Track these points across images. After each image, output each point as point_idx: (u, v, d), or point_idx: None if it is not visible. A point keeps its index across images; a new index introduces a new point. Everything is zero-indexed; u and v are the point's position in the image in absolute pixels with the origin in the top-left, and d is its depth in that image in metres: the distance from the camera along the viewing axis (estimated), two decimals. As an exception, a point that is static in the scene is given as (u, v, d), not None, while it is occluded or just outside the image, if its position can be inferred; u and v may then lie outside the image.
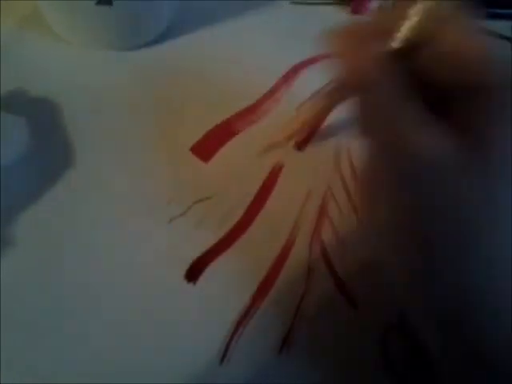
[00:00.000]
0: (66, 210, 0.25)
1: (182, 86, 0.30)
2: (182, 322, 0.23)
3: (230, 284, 0.24)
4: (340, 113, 0.30)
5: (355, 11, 0.36)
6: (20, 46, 0.31)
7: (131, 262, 0.24)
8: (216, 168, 0.27)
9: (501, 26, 0.37)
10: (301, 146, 0.29)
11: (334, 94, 0.22)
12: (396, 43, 0.18)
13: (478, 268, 0.17)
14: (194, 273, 0.24)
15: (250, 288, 0.24)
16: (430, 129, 0.17)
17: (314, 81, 0.31)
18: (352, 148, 0.29)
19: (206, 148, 0.28)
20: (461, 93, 0.18)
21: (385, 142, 0.18)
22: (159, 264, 0.24)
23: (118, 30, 0.30)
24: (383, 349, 0.23)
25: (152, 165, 0.27)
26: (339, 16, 0.36)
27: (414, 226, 0.17)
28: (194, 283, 0.23)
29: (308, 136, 0.29)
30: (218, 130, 0.28)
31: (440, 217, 0.17)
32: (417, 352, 0.22)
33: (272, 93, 0.31)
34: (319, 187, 0.27)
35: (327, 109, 0.24)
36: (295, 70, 0.32)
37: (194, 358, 0.22)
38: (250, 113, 0.30)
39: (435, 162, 0.17)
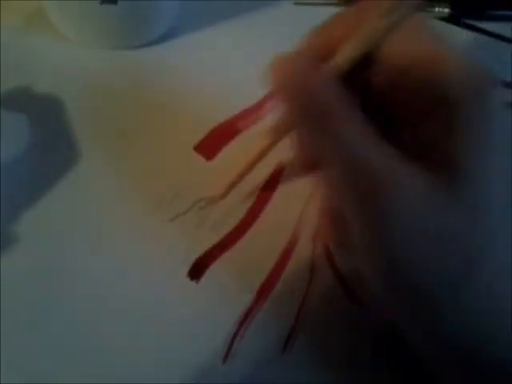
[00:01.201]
0: (67, 209, 0.25)
1: (185, 85, 0.30)
2: (184, 320, 0.22)
3: (232, 282, 0.24)
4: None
5: (358, 12, 0.36)
6: (23, 43, 0.31)
7: (133, 260, 0.24)
8: (219, 166, 0.27)
9: (500, 27, 0.37)
10: None
11: (279, 131, 0.20)
12: (343, 63, 0.17)
13: (478, 304, 0.16)
14: (197, 271, 0.23)
15: (253, 286, 0.23)
16: (395, 158, 0.15)
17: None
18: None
19: (209, 146, 0.27)
20: (420, 109, 0.16)
21: (347, 177, 0.16)
22: (161, 262, 0.24)
23: (121, 29, 0.30)
24: (387, 347, 0.22)
25: (154, 163, 0.27)
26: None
27: (403, 272, 0.16)
28: (197, 281, 0.23)
29: None
30: (223, 127, 0.28)
31: (427, 255, 0.15)
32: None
33: (275, 92, 0.31)
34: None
35: (269, 148, 0.21)
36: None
37: (196, 358, 0.22)
38: (254, 111, 0.29)
39: (406, 195, 0.15)
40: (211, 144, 0.28)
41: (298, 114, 0.17)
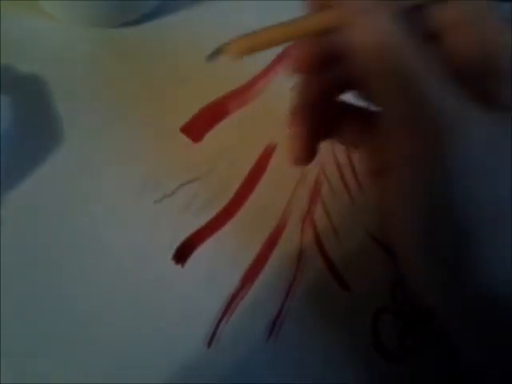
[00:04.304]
0: (51, 192, 0.24)
1: (171, 65, 0.29)
2: (169, 305, 0.22)
3: (218, 266, 0.23)
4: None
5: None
6: (5, 21, 0.30)
7: (117, 244, 0.23)
8: (207, 148, 0.26)
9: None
10: None
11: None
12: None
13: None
14: (182, 255, 0.23)
15: (239, 271, 0.23)
16: (461, 96, 0.15)
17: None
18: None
19: (196, 128, 0.27)
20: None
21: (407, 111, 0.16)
22: (146, 246, 0.23)
23: (106, 7, 0.29)
24: (375, 330, 0.22)
25: (140, 144, 0.26)
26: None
27: (448, 207, 0.16)
28: (182, 265, 0.23)
29: None
30: (210, 109, 0.28)
31: (476, 187, 0.15)
32: (408, 333, 0.22)
33: (265, 73, 0.30)
34: (312, 169, 0.26)
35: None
36: (289, 50, 0.31)
37: (180, 342, 0.21)
38: (242, 93, 0.29)
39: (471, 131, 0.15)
40: (198, 126, 0.27)
41: (364, 53, 0.16)
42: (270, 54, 0.31)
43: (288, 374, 0.21)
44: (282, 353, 0.21)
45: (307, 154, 0.21)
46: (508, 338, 0.16)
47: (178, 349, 0.21)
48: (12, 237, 0.23)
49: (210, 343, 0.21)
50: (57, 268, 0.22)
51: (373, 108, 0.19)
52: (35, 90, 0.27)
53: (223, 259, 0.23)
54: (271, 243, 0.24)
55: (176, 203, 0.24)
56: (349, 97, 0.20)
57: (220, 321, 0.22)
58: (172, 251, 0.23)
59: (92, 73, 0.28)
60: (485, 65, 0.16)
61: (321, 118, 0.20)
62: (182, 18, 0.32)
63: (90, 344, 0.21)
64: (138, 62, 0.29)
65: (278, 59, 0.31)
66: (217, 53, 0.20)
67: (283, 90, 0.29)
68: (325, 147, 0.27)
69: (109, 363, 0.20)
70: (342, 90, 0.20)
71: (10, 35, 0.29)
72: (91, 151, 0.26)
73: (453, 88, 0.16)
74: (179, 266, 0.23)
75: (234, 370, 0.21)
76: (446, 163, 0.15)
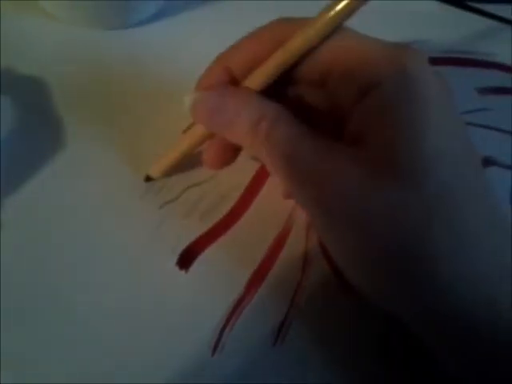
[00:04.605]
0: (52, 193, 0.24)
1: (173, 66, 0.29)
2: (173, 311, 0.22)
3: (223, 272, 0.23)
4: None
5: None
6: (5, 22, 0.30)
7: (120, 247, 0.23)
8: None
9: (500, 9, 0.36)
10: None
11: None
12: (268, 78, 0.18)
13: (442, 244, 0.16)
14: (186, 260, 0.23)
15: (244, 277, 0.23)
16: (327, 148, 0.17)
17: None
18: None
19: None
20: (350, 101, 0.18)
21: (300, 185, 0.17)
22: (150, 250, 0.23)
23: (108, 8, 0.29)
24: (382, 338, 0.22)
25: (143, 145, 0.26)
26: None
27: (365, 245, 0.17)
28: (186, 271, 0.23)
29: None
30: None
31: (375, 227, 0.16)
32: (417, 340, 0.22)
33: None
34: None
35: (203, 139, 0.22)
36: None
37: (185, 349, 0.21)
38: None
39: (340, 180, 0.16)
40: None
41: (231, 136, 0.19)
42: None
43: (293, 380, 0.21)
44: (287, 358, 0.21)
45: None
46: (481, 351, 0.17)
47: (182, 355, 0.21)
48: (12, 238, 0.22)
49: (214, 350, 0.21)
50: (57, 269, 0.22)
51: None
52: (35, 91, 0.27)
53: (228, 265, 0.23)
54: (276, 248, 0.24)
55: (180, 207, 0.24)
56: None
57: (224, 327, 0.21)
58: (176, 256, 0.23)
59: (93, 74, 0.28)
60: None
61: None
62: (184, 20, 0.31)
63: (90, 344, 0.20)
64: (140, 64, 0.29)
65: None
66: (147, 180, 0.24)
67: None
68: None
69: (109, 363, 0.20)
70: None
71: (10, 36, 0.29)
72: (92, 152, 0.25)
73: (319, 142, 0.17)
74: (183, 272, 0.22)
75: (239, 376, 0.21)
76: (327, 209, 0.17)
